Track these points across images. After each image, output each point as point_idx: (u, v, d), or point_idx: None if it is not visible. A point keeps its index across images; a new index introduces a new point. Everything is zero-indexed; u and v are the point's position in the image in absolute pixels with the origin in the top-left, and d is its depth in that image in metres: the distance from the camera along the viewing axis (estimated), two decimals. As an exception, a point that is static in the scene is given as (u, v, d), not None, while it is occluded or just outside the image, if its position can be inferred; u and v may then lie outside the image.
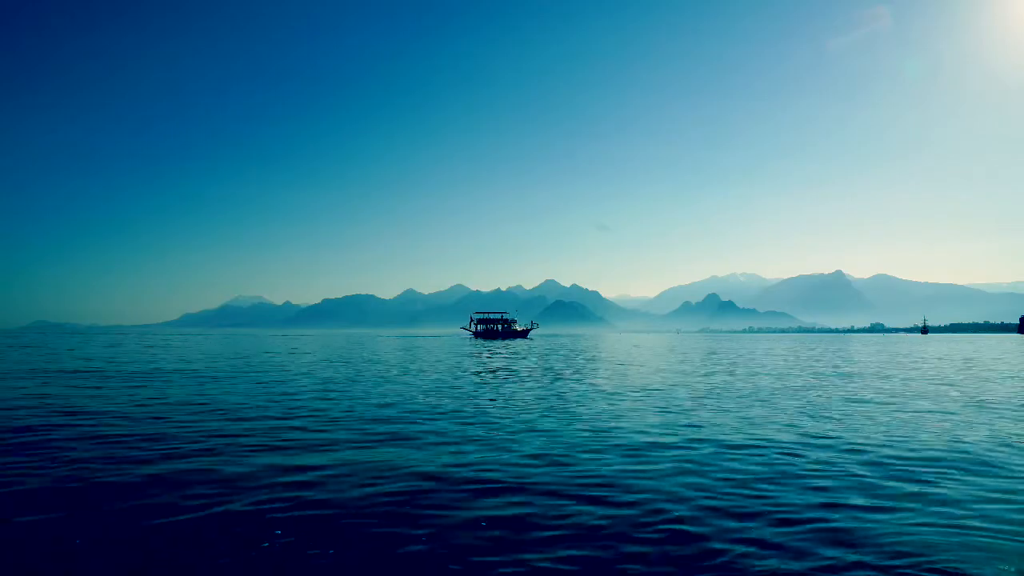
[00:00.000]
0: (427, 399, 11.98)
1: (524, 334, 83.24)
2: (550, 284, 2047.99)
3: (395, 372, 19.61)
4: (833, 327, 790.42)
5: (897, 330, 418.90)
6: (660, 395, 12.87)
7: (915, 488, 5.46)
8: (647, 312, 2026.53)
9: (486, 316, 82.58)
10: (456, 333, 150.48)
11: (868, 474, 6.05)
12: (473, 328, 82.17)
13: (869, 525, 4.48)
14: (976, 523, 4.55)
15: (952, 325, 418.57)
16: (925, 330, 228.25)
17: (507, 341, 63.81)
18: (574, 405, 11.26)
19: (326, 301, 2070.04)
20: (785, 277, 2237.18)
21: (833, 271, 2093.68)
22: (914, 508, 4.90)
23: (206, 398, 11.97)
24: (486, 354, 32.26)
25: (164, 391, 13.27)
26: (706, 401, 11.85)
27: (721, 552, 3.97)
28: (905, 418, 9.78)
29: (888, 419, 9.64)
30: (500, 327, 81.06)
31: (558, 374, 18.91)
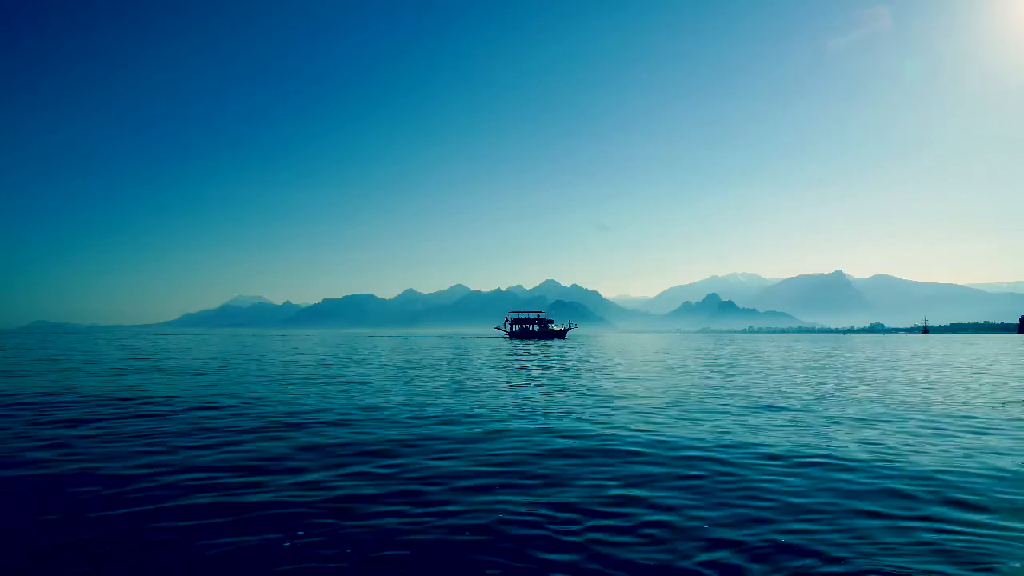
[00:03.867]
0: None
1: (561, 334, 79.45)
2: (550, 284, 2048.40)
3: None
4: (833, 327, 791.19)
5: (897, 330, 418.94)
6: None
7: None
8: (647, 312, 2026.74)
9: (521, 316, 79.84)
10: (455, 333, 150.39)
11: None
12: (508, 328, 79.23)
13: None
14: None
15: (952, 325, 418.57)
16: (926, 330, 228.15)
17: (544, 342, 59.67)
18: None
19: (326, 301, 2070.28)
20: (785, 277, 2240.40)
21: (833, 271, 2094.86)
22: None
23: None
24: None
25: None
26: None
27: None
28: None
29: None
30: (536, 327, 77.71)
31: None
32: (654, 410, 10.44)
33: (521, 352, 35.57)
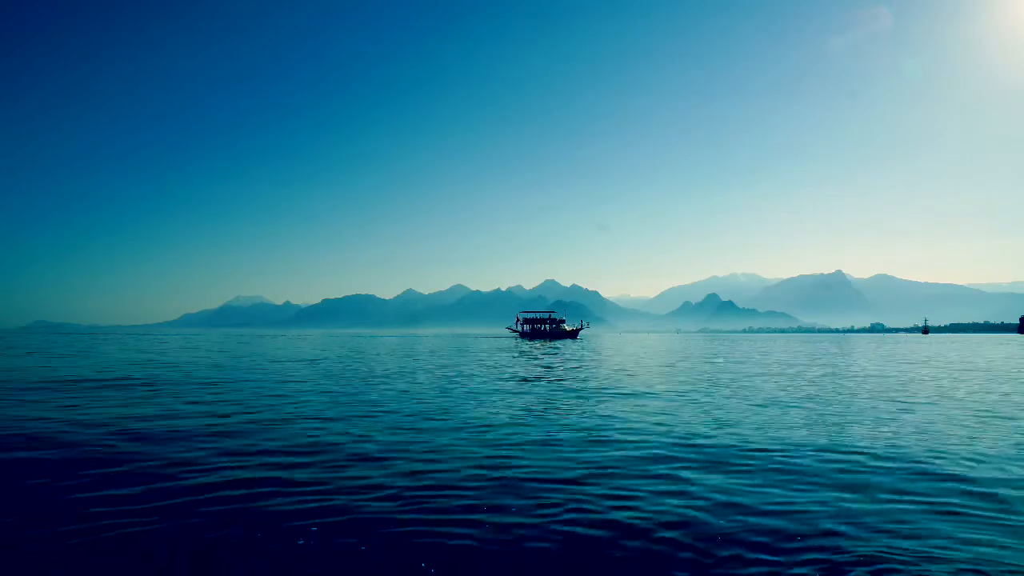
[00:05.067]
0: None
1: (573, 334, 78.02)
2: (550, 284, 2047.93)
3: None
4: (833, 327, 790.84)
5: (897, 330, 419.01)
6: None
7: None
8: (647, 312, 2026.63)
9: (532, 315, 78.36)
10: (463, 333, 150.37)
11: None
12: (520, 328, 77.91)
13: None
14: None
15: (952, 325, 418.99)
16: (926, 330, 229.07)
17: (557, 342, 57.30)
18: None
19: (326, 301, 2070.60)
20: (785, 277, 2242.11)
21: (833, 271, 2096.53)
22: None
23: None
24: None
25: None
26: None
27: None
28: None
29: None
30: (547, 327, 76.49)
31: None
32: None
33: (569, 361, 27.00)
